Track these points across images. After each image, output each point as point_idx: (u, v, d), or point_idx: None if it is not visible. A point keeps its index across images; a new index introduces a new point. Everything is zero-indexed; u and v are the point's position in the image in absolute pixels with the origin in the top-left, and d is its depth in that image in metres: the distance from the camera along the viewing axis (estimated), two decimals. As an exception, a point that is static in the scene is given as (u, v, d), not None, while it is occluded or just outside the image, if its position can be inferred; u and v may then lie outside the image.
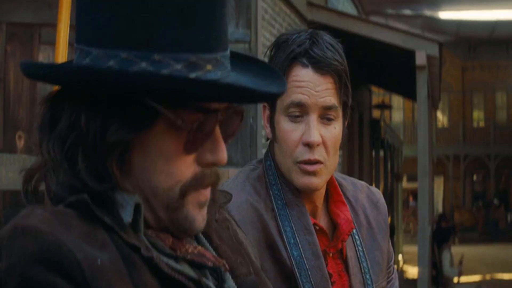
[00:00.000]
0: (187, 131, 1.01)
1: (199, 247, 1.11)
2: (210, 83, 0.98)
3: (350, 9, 13.52)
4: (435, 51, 8.86)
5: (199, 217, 1.05)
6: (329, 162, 1.69)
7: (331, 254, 1.74)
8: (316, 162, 1.66)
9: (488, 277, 18.14)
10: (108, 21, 0.98)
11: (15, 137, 4.71)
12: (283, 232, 1.69)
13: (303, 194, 1.73)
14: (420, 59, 8.67)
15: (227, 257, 1.15)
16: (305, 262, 1.68)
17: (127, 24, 0.97)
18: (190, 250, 1.08)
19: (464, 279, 16.79)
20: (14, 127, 4.73)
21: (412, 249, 15.71)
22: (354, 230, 1.78)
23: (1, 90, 4.79)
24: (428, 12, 21.30)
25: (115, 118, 0.98)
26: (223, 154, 1.04)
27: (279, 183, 1.73)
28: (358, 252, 1.78)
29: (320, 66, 1.66)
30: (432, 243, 14.22)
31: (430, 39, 9.21)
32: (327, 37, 1.71)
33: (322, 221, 1.77)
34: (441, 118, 33.22)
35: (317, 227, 1.73)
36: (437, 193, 29.21)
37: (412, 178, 20.48)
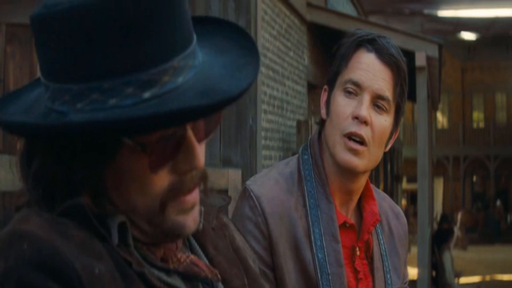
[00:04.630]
0: (148, 154, 0.99)
1: (192, 256, 1.10)
2: (146, 117, 0.93)
3: (350, 9, 13.52)
4: (434, 52, 8.86)
5: (188, 222, 1.04)
6: (373, 148, 1.74)
7: (358, 252, 1.79)
8: (360, 140, 1.72)
9: (487, 278, 18.13)
10: (56, 57, 0.97)
11: (14, 139, 4.71)
12: (311, 232, 1.74)
13: (341, 185, 1.78)
14: (420, 60, 8.66)
15: (222, 268, 1.14)
16: (328, 267, 1.71)
17: (72, 57, 0.95)
18: (182, 260, 1.08)
19: (464, 280, 16.77)
20: (14, 128, 4.72)
21: (412, 250, 15.72)
22: (379, 230, 1.85)
23: (0, 91, 4.79)
24: (427, 11, 21.32)
25: (79, 156, 0.98)
26: (198, 161, 1.02)
27: (313, 181, 1.78)
28: (381, 251, 1.84)
29: (383, 54, 1.75)
30: (432, 244, 14.20)
31: (430, 40, 9.20)
32: (393, 42, 1.81)
33: (352, 217, 1.83)
34: (441, 119, 33.21)
35: (348, 225, 1.78)
36: (437, 194, 29.19)
37: (412, 179, 20.47)
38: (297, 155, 1.85)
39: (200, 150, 1.03)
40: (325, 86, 1.84)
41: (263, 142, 6.10)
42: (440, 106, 23.00)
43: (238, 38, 1.08)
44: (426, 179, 9.24)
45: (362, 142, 1.73)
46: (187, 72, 0.99)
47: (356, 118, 1.72)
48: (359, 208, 1.85)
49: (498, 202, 30.57)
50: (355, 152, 1.73)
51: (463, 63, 33.09)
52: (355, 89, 1.75)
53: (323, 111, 1.82)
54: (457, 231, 24.31)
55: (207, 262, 1.14)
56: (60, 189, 0.99)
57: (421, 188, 9.21)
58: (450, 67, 31.04)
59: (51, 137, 0.98)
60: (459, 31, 25.87)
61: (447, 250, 15.75)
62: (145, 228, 1.03)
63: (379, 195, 1.94)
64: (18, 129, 1.01)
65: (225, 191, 3.83)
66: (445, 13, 21.87)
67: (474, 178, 33.65)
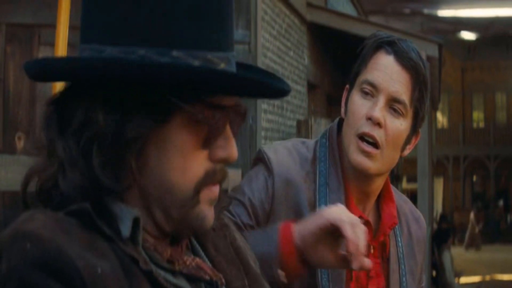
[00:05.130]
0: (206, 125, 1.02)
1: (197, 259, 1.10)
2: (236, 75, 1.00)
3: (350, 9, 13.52)
4: (434, 52, 8.86)
5: (209, 215, 1.06)
6: (386, 151, 1.73)
7: (372, 250, 1.78)
8: (373, 140, 1.71)
9: (487, 277, 18.13)
10: (124, 19, 0.97)
11: (14, 138, 4.71)
12: (317, 206, 1.73)
13: (357, 186, 1.77)
14: (420, 60, 8.64)
15: (222, 269, 1.14)
16: None
17: (145, 21, 0.97)
18: (188, 263, 1.08)
19: (464, 279, 16.78)
20: (14, 128, 4.72)
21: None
22: (398, 231, 1.84)
23: (0, 91, 4.79)
24: (427, 11, 21.35)
25: (133, 112, 0.98)
26: (235, 150, 1.05)
27: (327, 162, 1.79)
28: (398, 253, 1.82)
29: (401, 57, 1.73)
30: (432, 243, 14.20)
31: (430, 40, 9.20)
32: (414, 46, 1.79)
33: (370, 215, 1.82)
34: (441, 119, 33.22)
35: (363, 220, 1.75)
36: (437, 194, 29.19)
37: (412, 179, 20.50)
38: (315, 139, 1.85)
39: None
40: (347, 85, 1.83)
41: (263, 142, 6.10)
42: (440, 106, 23.02)
43: (257, 72, 1.12)
44: (426, 179, 9.25)
45: (375, 144, 1.72)
46: (233, 69, 1.04)
47: (369, 119, 1.72)
48: (378, 209, 1.84)
49: (501, 202, 30.60)
50: (367, 154, 1.72)
51: (463, 63, 33.10)
52: (371, 90, 1.74)
53: (342, 110, 1.82)
54: (472, 230, 24.43)
55: (209, 265, 1.14)
56: (104, 147, 0.98)
57: (421, 188, 9.22)
58: (450, 67, 31.03)
59: (128, 76, 0.96)
60: (459, 31, 25.90)
61: (446, 250, 15.76)
62: (173, 212, 1.03)
63: (400, 197, 1.93)
64: (89, 65, 0.98)
65: (225, 191, 3.83)
66: (445, 12, 21.91)
67: (474, 178, 33.66)
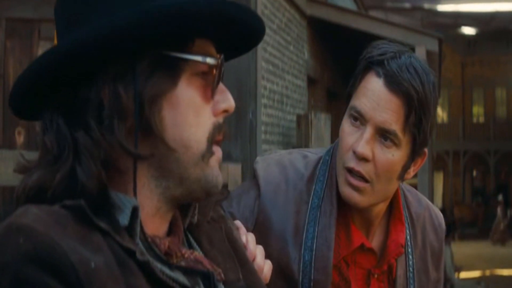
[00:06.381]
0: (209, 77, 1.04)
1: (196, 253, 1.10)
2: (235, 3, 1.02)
3: (350, 4, 13.50)
4: (434, 47, 8.85)
5: (220, 175, 1.07)
6: (378, 185, 1.59)
7: (376, 275, 1.69)
8: (360, 175, 1.58)
9: (487, 273, 18.15)
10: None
11: (14, 133, 4.71)
12: (305, 230, 1.64)
13: (355, 211, 1.66)
14: (420, 54, 8.63)
15: (217, 263, 1.14)
16: (312, 272, 1.62)
17: None
18: (186, 255, 1.08)
19: (463, 274, 16.80)
20: (14, 123, 4.72)
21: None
22: (409, 249, 1.72)
23: (0, 86, 4.79)
24: (427, 5, 21.34)
25: (147, 77, 0.99)
26: (232, 100, 1.08)
27: (324, 183, 1.68)
28: (408, 273, 1.72)
29: (391, 81, 1.55)
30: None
31: (430, 35, 9.19)
32: (415, 61, 1.60)
33: (376, 238, 1.72)
34: (441, 113, 33.21)
35: (365, 248, 1.67)
36: (436, 188, 29.21)
37: (412, 173, 20.57)
38: (319, 154, 1.74)
39: None
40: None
41: (263, 136, 6.10)
42: (440, 100, 22.89)
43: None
44: (426, 174, 9.26)
45: (364, 177, 1.58)
46: None
47: (355, 153, 1.58)
48: (387, 230, 1.72)
49: (500, 197, 30.61)
50: (355, 188, 1.59)
51: (463, 58, 33.09)
52: (359, 118, 1.59)
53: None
54: (499, 225, 24.36)
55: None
56: (125, 118, 0.99)
57: (421, 182, 9.23)
58: (450, 62, 31.02)
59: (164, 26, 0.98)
60: (459, 26, 25.89)
61: (446, 245, 15.76)
62: (190, 172, 1.04)
63: (420, 204, 1.80)
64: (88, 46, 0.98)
65: (225, 186, 3.83)
66: (445, 7, 21.90)
67: (474, 173, 33.67)
